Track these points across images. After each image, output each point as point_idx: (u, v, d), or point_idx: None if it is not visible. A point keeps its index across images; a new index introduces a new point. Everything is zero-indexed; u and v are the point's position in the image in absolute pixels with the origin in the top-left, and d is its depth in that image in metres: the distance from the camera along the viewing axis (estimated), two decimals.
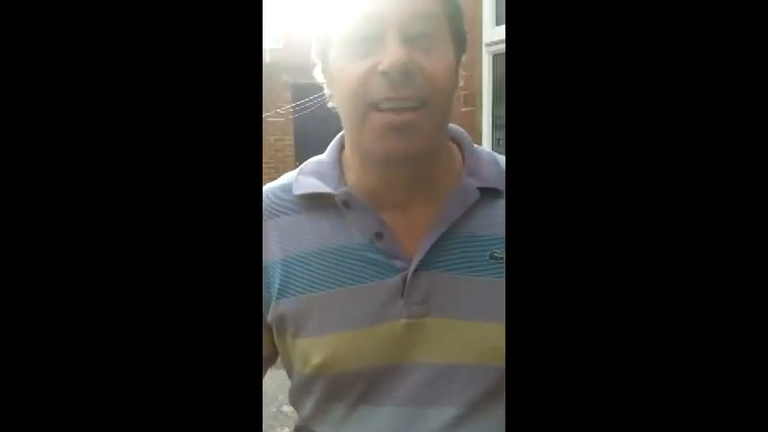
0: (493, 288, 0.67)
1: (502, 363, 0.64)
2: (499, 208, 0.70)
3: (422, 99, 0.61)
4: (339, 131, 0.74)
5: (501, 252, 0.68)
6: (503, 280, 0.66)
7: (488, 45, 2.75)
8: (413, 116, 0.61)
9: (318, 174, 0.72)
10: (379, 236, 0.68)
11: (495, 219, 0.70)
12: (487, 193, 0.70)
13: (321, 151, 0.76)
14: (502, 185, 0.71)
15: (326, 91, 0.69)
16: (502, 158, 0.74)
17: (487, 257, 0.68)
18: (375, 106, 0.62)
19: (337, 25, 0.64)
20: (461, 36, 0.67)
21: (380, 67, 0.60)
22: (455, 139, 0.74)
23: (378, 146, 0.63)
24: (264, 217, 0.72)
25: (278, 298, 0.69)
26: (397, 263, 0.68)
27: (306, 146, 7.01)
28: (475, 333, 0.67)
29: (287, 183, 0.73)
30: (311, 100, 6.48)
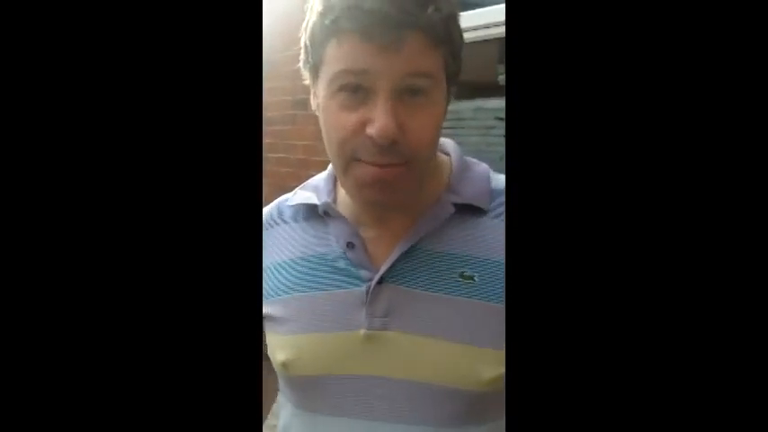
0: (462, 307, 0.66)
1: (475, 386, 0.64)
2: (475, 227, 0.69)
3: (407, 158, 0.61)
4: None
5: (471, 272, 0.67)
6: (473, 300, 0.66)
7: None
8: (396, 171, 0.61)
9: (314, 188, 0.76)
10: (350, 245, 0.70)
11: (468, 237, 0.69)
12: (465, 209, 0.69)
13: None
14: (484, 203, 0.70)
15: (313, 103, 0.68)
16: (497, 176, 0.73)
17: (457, 276, 0.67)
18: (359, 158, 0.61)
19: (331, 60, 0.61)
20: (457, 70, 0.65)
21: (368, 131, 0.59)
22: (447, 152, 0.74)
23: (359, 194, 0.65)
24: (264, 227, 0.78)
25: (264, 299, 0.74)
26: (365, 273, 0.68)
27: None
28: (439, 351, 0.65)
29: (288, 197, 0.79)
30: None
